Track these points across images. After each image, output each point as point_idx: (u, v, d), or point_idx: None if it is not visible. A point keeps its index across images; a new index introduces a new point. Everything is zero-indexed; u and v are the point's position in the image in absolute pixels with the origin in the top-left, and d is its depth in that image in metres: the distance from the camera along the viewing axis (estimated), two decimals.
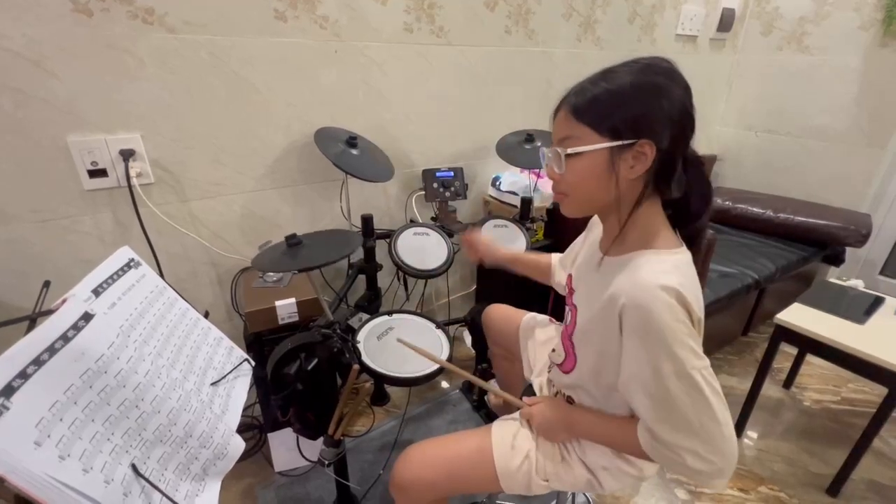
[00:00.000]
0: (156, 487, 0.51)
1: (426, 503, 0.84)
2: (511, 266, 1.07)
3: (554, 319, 1.09)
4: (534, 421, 0.81)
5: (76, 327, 0.49)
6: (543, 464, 0.78)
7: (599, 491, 0.80)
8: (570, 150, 0.62)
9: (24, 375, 0.43)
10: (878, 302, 1.41)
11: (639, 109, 0.59)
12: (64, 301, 0.51)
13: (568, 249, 0.96)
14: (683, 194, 0.65)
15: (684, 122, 0.61)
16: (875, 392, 1.73)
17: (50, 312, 0.50)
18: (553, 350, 0.90)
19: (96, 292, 0.57)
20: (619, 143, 0.59)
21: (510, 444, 0.80)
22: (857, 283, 1.53)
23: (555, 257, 1.02)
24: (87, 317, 0.51)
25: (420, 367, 1.00)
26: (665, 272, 0.60)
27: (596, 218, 0.83)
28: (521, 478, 0.78)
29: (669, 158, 0.61)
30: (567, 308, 0.82)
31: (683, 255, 0.65)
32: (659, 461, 0.65)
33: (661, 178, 0.62)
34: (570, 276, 0.83)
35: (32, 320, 0.54)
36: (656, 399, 0.61)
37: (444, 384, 1.75)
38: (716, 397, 0.59)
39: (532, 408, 0.82)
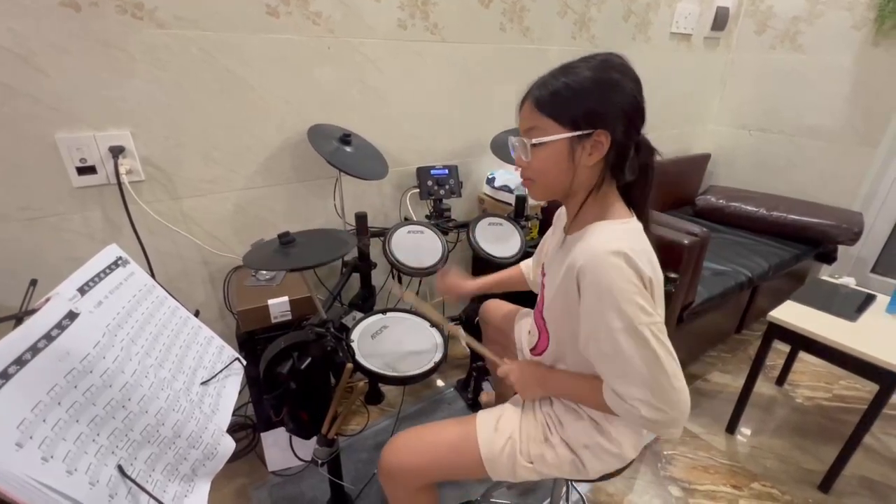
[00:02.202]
0: (142, 489, 0.50)
1: (414, 489, 0.85)
2: (490, 290, 1.13)
3: None
4: (512, 375, 0.86)
5: (60, 326, 0.48)
6: (527, 445, 0.80)
7: (584, 474, 0.81)
8: (534, 141, 0.70)
9: (5, 375, 0.42)
10: (869, 299, 1.42)
11: (595, 103, 0.66)
12: (48, 300, 0.50)
13: (537, 249, 1.00)
14: (636, 177, 0.72)
15: (635, 114, 0.68)
16: (866, 389, 1.75)
17: (35, 312, 0.49)
18: (529, 332, 0.93)
19: (82, 291, 0.56)
20: (578, 133, 0.67)
21: (493, 426, 0.82)
22: (849, 281, 1.54)
23: (523, 265, 1.10)
24: (71, 315, 0.50)
25: (415, 365, 0.99)
26: (615, 238, 0.66)
27: (561, 211, 0.89)
28: (506, 461, 0.79)
29: (623, 146, 0.68)
30: (539, 291, 0.87)
31: (634, 224, 0.72)
32: (619, 414, 0.70)
33: (616, 164, 0.69)
34: (543, 265, 0.88)
35: (18, 319, 0.53)
36: (609, 355, 0.66)
37: (440, 382, 1.74)
38: (664, 350, 0.64)
39: (511, 364, 0.88)
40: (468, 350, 1.56)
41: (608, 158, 0.68)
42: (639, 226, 0.72)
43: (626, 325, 0.63)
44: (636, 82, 0.68)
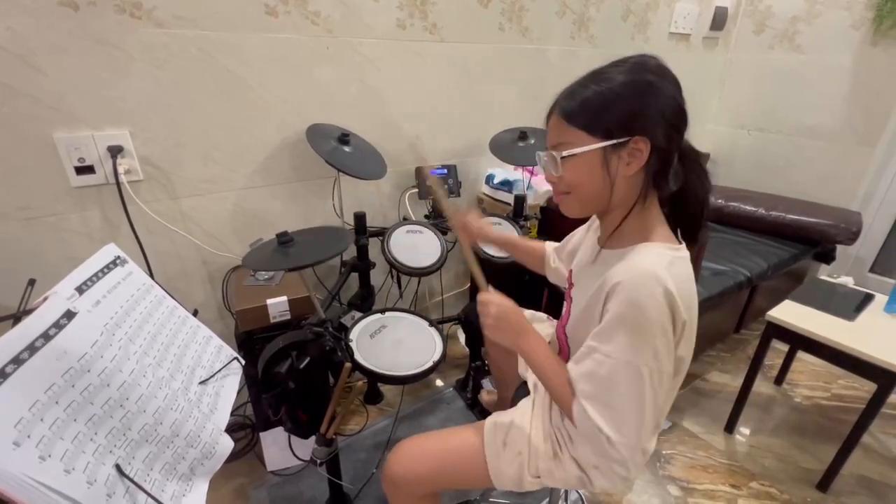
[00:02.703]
0: (140, 488, 0.50)
1: (418, 497, 0.84)
2: (504, 249, 1.06)
3: (550, 317, 1.09)
4: (490, 307, 0.75)
5: (58, 325, 0.48)
6: (535, 461, 0.78)
7: (590, 488, 0.80)
8: (564, 153, 0.64)
9: (2, 374, 0.42)
10: (867, 299, 1.42)
11: (630, 108, 0.60)
12: (45, 299, 0.50)
13: (564, 240, 0.96)
14: (680, 187, 0.66)
15: (677, 117, 0.62)
16: (864, 388, 1.75)
17: (33, 311, 0.49)
18: (549, 343, 0.91)
19: (80, 290, 0.56)
20: (613, 142, 0.61)
21: (502, 441, 0.80)
22: (847, 281, 1.54)
23: (549, 246, 1.02)
24: (69, 314, 0.50)
25: (413, 365, 0.99)
26: (661, 265, 0.61)
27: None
28: (513, 474, 0.78)
29: (665, 153, 0.62)
30: (564, 302, 0.83)
31: (682, 253, 0.66)
32: (578, 427, 0.67)
33: (659, 173, 0.63)
34: (570, 272, 0.84)
35: (17, 319, 0.53)
36: (599, 378, 0.63)
37: (438, 382, 1.74)
38: (651, 402, 0.62)
39: (494, 296, 0.77)
40: (467, 350, 1.56)
41: (649, 167, 0.62)
42: (687, 255, 0.67)
43: (631, 361, 0.60)
44: (675, 84, 0.63)
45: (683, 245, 0.68)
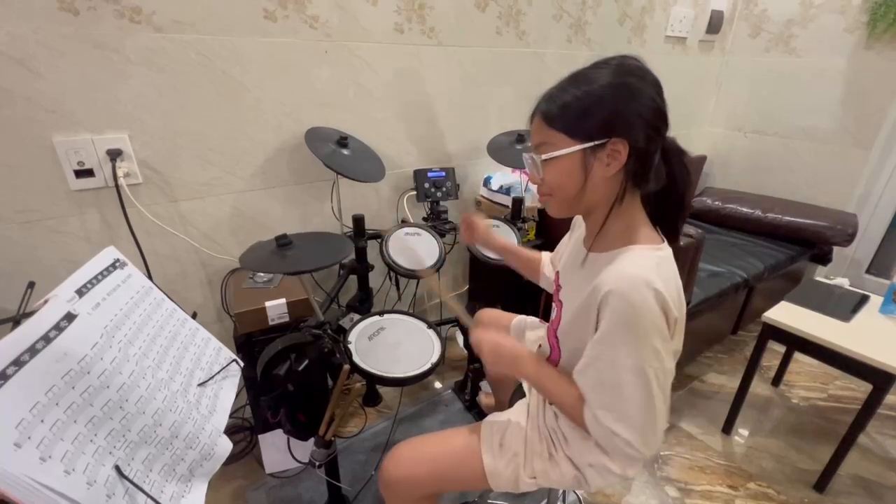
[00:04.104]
0: (140, 489, 0.51)
1: (415, 500, 0.84)
2: (503, 255, 1.08)
3: (544, 321, 1.09)
4: (483, 345, 0.78)
5: (58, 328, 0.49)
6: (531, 461, 0.79)
7: (586, 488, 0.81)
8: (544, 156, 0.65)
9: (3, 376, 0.42)
10: (863, 300, 1.43)
11: (610, 111, 0.61)
12: (46, 301, 0.50)
13: (557, 248, 0.97)
14: (663, 185, 0.67)
15: (656, 118, 0.63)
16: (861, 389, 1.76)
17: (33, 313, 0.49)
18: (539, 346, 0.91)
19: (80, 293, 0.57)
20: (592, 144, 0.62)
21: (498, 442, 0.81)
22: (843, 282, 1.55)
23: (545, 255, 1.04)
24: (69, 317, 0.50)
25: (412, 367, 1.00)
26: (649, 268, 0.62)
27: (579, 217, 0.85)
28: (509, 475, 0.78)
29: (644, 154, 0.63)
30: (553, 304, 0.84)
31: (665, 252, 0.68)
32: (592, 434, 0.69)
33: (637, 173, 0.64)
34: (557, 273, 0.85)
35: (16, 321, 0.54)
36: (607, 386, 0.64)
37: (437, 384, 1.75)
38: (660, 399, 0.63)
39: (482, 334, 0.79)
40: (465, 352, 1.57)
41: (628, 168, 0.63)
42: (670, 252, 0.68)
43: (635, 365, 0.61)
44: (655, 85, 0.63)
45: (665, 243, 0.69)
